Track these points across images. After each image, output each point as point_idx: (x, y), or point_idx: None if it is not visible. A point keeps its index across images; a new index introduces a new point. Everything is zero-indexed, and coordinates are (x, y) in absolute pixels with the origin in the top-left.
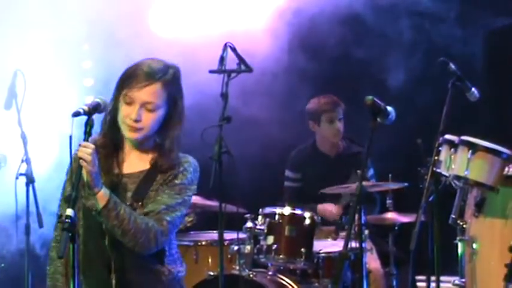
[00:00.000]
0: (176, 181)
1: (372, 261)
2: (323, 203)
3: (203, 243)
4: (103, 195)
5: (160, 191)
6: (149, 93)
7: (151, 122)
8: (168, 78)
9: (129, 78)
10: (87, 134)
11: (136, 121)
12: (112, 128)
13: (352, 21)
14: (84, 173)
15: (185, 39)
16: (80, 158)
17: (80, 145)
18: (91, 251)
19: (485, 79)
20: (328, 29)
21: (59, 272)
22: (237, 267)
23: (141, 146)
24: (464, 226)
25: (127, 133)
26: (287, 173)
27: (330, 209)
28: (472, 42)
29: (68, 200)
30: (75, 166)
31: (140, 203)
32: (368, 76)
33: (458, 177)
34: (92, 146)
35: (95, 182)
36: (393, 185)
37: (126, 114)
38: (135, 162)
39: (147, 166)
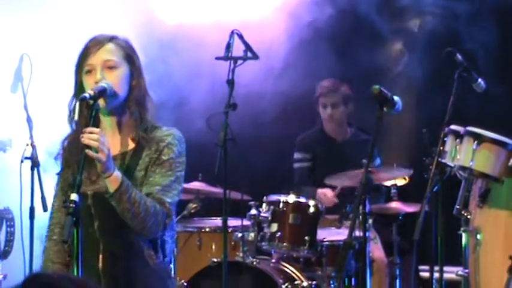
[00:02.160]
0: (163, 157)
1: (376, 250)
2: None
3: (207, 229)
4: (116, 178)
5: (150, 171)
6: (105, 51)
7: (116, 81)
8: (120, 40)
9: (84, 53)
10: (93, 118)
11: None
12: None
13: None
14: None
15: (191, 26)
16: (86, 145)
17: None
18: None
19: (496, 66)
20: (341, 19)
21: (50, 260)
22: (241, 254)
23: (119, 120)
24: (468, 217)
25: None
26: (296, 155)
27: (328, 195)
28: (483, 24)
29: (72, 184)
30: (76, 150)
31: None
32: (375, 66)
33: (463, 168)
34: (98, 130)
35: (107, 165)
36: (398, 172)
37: (90, 82)
38: (118, 144)
39: (132, 145)
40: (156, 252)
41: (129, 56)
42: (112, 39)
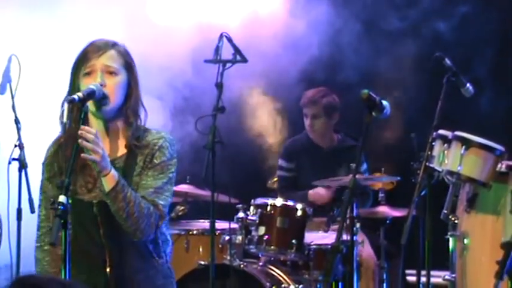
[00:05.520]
0: (156, 161)
1: (364, 251)
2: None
3: (194, 232)
4: (112, 176)
5: (143, 175)
6: (107, 57)
7: (115, 87)
8: (120, 47)
9: (84, 56)
10: (82, 120)
11: (101, 86)
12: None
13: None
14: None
15: (182, 27)
16: (83, 147)
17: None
18: (83, 244)
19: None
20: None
21: (45, 271)
22: (228, 257)
23: (110, 125)
24: (455, 221)
25: (94, 106)
26: (280, 162)
27: (321, 192)
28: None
29: (60, 187)
30: (67, 153)
31: None
32: (362, 70)
33: (451, 173)
34: (93, 131)
35: (103, 165)
36: (386, 179)
37: (89, 83)
38: (108, 149)
39: (124, 150)
40: (159, 253)
41: (129, 64)
42: (114, 45)
